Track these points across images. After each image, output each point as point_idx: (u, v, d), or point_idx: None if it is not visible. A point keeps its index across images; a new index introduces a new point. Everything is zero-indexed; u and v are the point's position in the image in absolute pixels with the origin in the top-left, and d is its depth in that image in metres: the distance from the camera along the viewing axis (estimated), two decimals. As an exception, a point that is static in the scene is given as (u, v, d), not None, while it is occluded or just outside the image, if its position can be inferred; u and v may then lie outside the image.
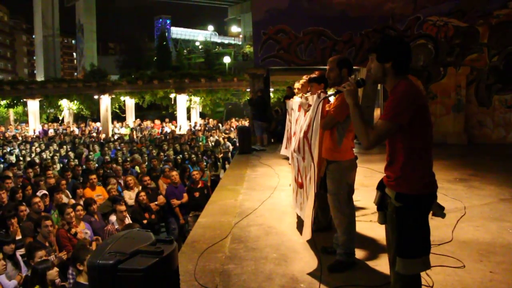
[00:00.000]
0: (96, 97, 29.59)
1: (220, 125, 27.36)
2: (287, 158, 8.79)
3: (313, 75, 5.08)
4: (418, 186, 2.62)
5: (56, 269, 4.89)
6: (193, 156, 13.32)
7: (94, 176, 8.97)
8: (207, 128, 25.13)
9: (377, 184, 2.91)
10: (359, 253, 4.17)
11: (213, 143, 18.19)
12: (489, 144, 13.21)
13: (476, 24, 13.39)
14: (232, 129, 24.24)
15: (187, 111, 30.28)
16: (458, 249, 4.36)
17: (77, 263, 4.83)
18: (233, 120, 29.50)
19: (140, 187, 8.91)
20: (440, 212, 2.73)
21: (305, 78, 6.45)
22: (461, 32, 13.45)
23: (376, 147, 2.70)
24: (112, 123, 29.39)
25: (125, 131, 26.68)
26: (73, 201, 7.89)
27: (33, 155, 16.15)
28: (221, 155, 15.71)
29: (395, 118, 2.58)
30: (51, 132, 26.33)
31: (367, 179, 7.24)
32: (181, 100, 28.79)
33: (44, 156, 15.07)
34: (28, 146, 18.05)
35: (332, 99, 3.97)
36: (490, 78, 13.43)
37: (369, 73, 2.81)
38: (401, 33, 13.64)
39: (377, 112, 13.75)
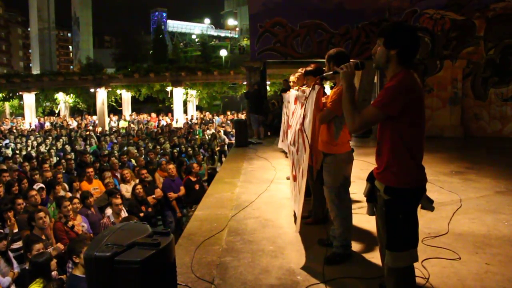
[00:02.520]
0: (92, 90, 29.45)
1: (215, 118, 27.28)
2: (284, 151, 8.80)
3: (309, 68, 5.06)
4: (407, 180, 2.61)
5: (54, 260, 4.88)
6: (189, 149, 13.31)
7: (91, 170, 8.95)
8: (203, 122, 25.09)
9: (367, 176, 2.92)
10: (355, 246, 4.18)
11: (209, 136, 18.17)
12: (485, 137, 13.26)
13: (473, 17, 13.40)
14: (229, 122, 24.19)
15: (184, 104, 30.22)
16: (454, 241, 4.38)
17: (73, 256, 4.82)
18: (229, 113, 29.44)
19: (137, 180, 8.91)
20: (428, 205, 2.73)
21: (300, 71, 6.43)
22: (458, 25, 13.46)
23: (361, 131, 2.70)
24: (109, 116, 29.33)
25: (122, 124, 26.61)
26: (69, 194, 7.89)
27: (29, 148, 16.11)
28: (218, 148, 15.70)
29: (384, 107, 2.55)
30: (47, 125, 26.25)
31: (363, 172, 7.20)
32: (178, 93, 28.72)
33: (41, 149, 15.03)
34: (24, 139, 18.00)
35: (328, 92, 3.96)
36: (486, 71, 13.45)
37: (373, 57, 2.75)
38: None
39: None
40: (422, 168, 2.68)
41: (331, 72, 3.29)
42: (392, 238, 2.63)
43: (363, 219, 4.97)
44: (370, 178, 2.87)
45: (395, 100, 2.52)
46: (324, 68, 4.11)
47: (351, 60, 2.93)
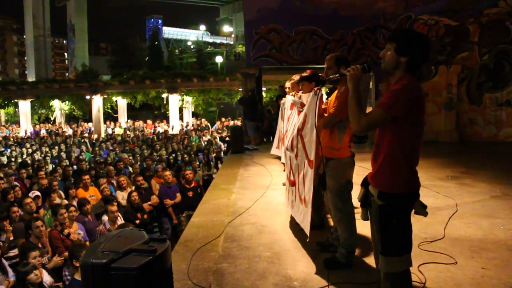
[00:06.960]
0: (88, 97, 29.41)
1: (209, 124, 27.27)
2: (278, 158, 8.80)
3: (304, 74, 5.08)
4: (400, 185, 2.63)
5: (35, 272, 4.74)
6: (185, 156, 13.29)
7: (87, 177, 8.93)
8: (199, 128, 25.09)
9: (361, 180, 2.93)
10: (352, 251, 4.18)
11: (206, 143, 18.16)
12: (480, 142, 13.31)
13: (467, 22, 13.49)
14: (224, 128, 24.18)
15: (180, 111, 30.19)
16: (450, 246, 4.39)
17: (73, 260, 4.81)
18: (223, 119, 29.37)
19: (133, 187, 8.89)
20: (422, 210, 2.74)
21: (294, 77, 6.47)
22: (452, 30, 13.54)
23: (366, 132, 2.71)
24: (105, 123, 29.26)
25: (118, 130, 26.57)
26: (66, 202, 7.86)
27: (24, 156, 16.06)
28: (214, 154, 15.70)
29: (391, 108, 2.56)
30: (42, 132, 26.18)
31: (360, 177, 7.21)
32: (173, 100, 28.70)
33: (36, 157, 14.97)
34: (19, 147, 17.96)
35: (324, 98, 3.97)
36: (481, 76, 13.53)
37: (382, 60, 2.76)
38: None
39: (368, 111, 13.76)
40: (415, 173, 2.70)
41: (337, 75, 3.32)
42: (386, 243, 2.64)
43: (359, 224, 4.97)
44: (365, 183, 2.88)
45: (401, 102, 2.55)
46: (321, 74, 4.12)
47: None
